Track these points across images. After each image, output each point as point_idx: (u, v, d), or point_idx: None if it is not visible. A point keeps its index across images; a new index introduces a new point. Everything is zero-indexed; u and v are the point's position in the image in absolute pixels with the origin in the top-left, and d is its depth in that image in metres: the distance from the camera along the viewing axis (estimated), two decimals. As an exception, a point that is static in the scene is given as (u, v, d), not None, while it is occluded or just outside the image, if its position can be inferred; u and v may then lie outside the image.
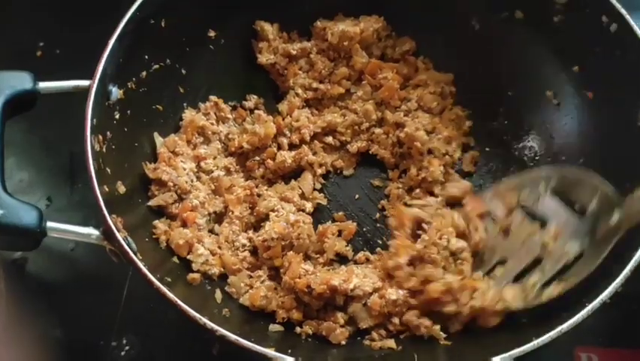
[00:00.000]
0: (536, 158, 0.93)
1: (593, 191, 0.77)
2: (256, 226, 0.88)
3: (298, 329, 0.80)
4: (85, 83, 0.77)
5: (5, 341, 0.85)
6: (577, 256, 0.75)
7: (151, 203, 0.85)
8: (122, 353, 0.85)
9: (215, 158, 0.92)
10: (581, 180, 0.78)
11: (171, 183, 0.86)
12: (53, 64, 1.06)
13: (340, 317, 0.80)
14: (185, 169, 0.88)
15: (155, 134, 0.90)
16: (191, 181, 0.88)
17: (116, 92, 0.82)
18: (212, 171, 0.91)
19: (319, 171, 0.94)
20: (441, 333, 0.77)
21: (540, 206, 0.79)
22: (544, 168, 0.88)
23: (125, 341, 0.86)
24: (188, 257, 0.83)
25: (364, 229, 0.91)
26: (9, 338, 0.85)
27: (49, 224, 0.71)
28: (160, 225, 0.84)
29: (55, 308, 0.89)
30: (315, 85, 0.98)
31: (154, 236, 0.83)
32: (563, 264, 0.75)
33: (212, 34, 0.95)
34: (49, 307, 0.89)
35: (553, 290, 0.74)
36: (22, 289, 0.91)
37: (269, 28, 0.97)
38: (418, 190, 0.91)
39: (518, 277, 0.77)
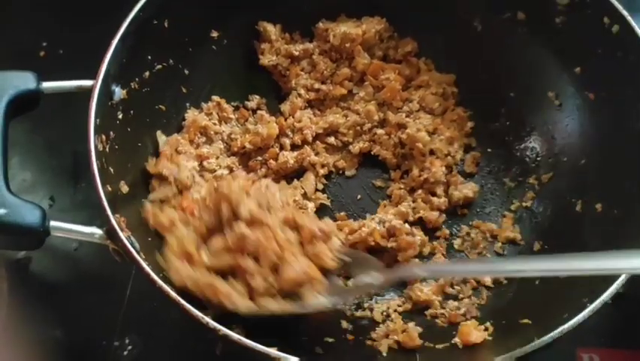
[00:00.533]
0: (538, 159, 0.93)
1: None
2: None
3: None
4: (88, 83, 0.77)
5: (8, 341, 0.85)
6: None
7: (151, 197, 0.85)
8: (125, 353, 0.85)
9: (217, 158, 0.92)
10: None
11: (172, 178, 0.85)
12: (56, 64, 1.06)
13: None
14: (187, 167, 0.88)
15: (159, 132, 0.90)
16: (193, 177, 0.88)
17: (119, 92, 0.82)
18: (215, 170, 0.91)
19: (321, 171, 0.94)
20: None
21: None
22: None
23: (127, 341, 0.86)
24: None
25: (366, 230, 0.91)
26: (12, 337, 0.85)
27: (53, 223, 0.71)
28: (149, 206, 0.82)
29: (58, 308, 0.89)
30: (317, 86, 0.98)
31: (142, 216, 0.81)
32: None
33: (214, 34, 0.95)
34: (52, 307, 0.89)
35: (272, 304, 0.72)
36: (25, 288, 0.91)
37: (272, 29, 0.97)
38: (420, 191, 0.92)
39: None
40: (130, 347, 0.86)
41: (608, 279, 0.70)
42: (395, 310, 0.83)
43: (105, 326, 0.87)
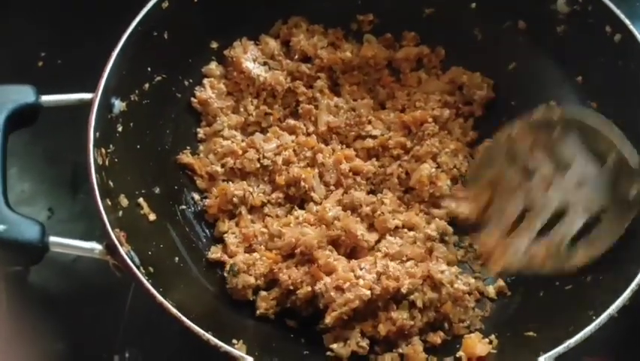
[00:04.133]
0: (540, 169, 0.93)
1: (610, 146, 0.75)
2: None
3: None
4: (87, 96, 0.77)
5: (6, 354, 0.84)
6: (599, 215, 0.74)
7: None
8: (125, 367, 0.85)
9: None
10: (600, 132, 0.75)
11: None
12: (55, 74, 1.05)
13: None
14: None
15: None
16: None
17: (118, 105, 0.81)
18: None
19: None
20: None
21: (559, 148, 0.76)
22: (561, 110, 0.83)
23: (127, 355, 0.85)
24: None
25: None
26: (10, 350, 0.85)
27: (52, 239, 0.71)
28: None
29: (57, 320, 0.88)
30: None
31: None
32: (587, 217, 0.73)
33: (214, 45, 0.95)
34: (51, 320, 0.88)
35: (582, 255, 0.72)
36: (23, 300, 0.90)
37: (273, 44, 0.97)
38: (422, 206, 0.90)
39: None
40: (130, 361, 0.85)
41: (615, 292, 0.70)
42: (398, 324, 0.83)
43: (105, 339, 0.87)
